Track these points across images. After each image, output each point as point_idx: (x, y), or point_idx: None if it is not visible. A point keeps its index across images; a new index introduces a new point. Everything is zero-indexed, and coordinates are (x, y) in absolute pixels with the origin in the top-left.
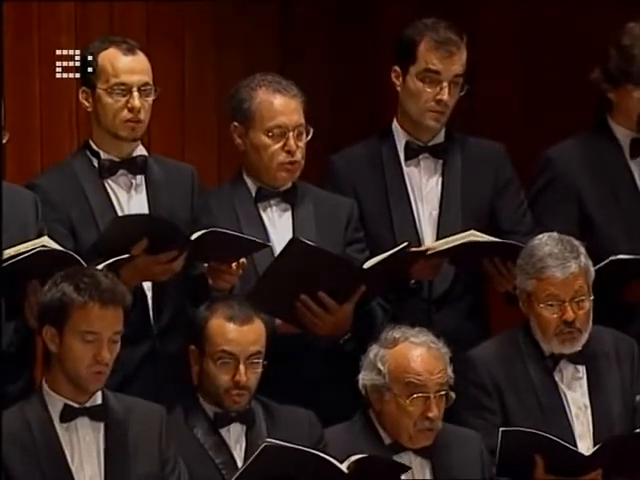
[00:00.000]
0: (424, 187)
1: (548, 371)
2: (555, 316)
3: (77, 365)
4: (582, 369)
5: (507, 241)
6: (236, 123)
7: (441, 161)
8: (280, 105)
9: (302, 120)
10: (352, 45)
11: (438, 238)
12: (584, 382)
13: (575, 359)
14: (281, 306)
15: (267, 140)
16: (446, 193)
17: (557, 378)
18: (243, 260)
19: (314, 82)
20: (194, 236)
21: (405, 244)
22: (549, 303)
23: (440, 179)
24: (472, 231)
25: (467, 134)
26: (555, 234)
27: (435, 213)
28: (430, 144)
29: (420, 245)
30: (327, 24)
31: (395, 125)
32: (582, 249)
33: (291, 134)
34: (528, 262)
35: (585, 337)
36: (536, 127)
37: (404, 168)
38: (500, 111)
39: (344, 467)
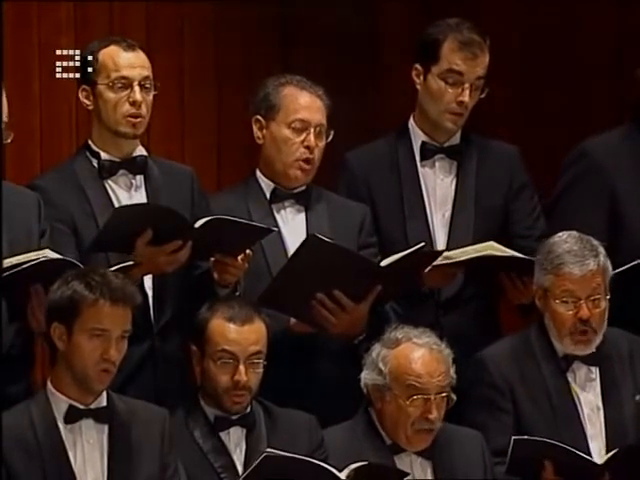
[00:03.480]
0: (438, 188)
1: (561, 372)
2: (570, 313)
3: (85, 363)
4: (595, 370)
5: (527, 257)
6: (258, 116)
7: (456, 162)
8: (305, 101)
9: (324, 121)
10: (353, 44)
11: (450, 239)
12: (597, 384)
13: (589, 360)
14: (297, 304)
15: (288, 133)
16: (460, 195)
17: (570, 379)
18: (249, 252)
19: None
20: (198, 223)
21: (422, 244)
22: (564, 299)
23: (454, 180)
24: (491, 243)
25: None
26: (575, 233)
27: (448, 214)
28: (446, 145)
29: (432, 245)
30: (327, 23)
31: (411, 124)
32: (601, 249)
33: (312, 130)
34: (546, 258)
35: (599, 338)
36: (534, 129)
37: (419, 168)
38: (499, 113)
39: (344, 475)
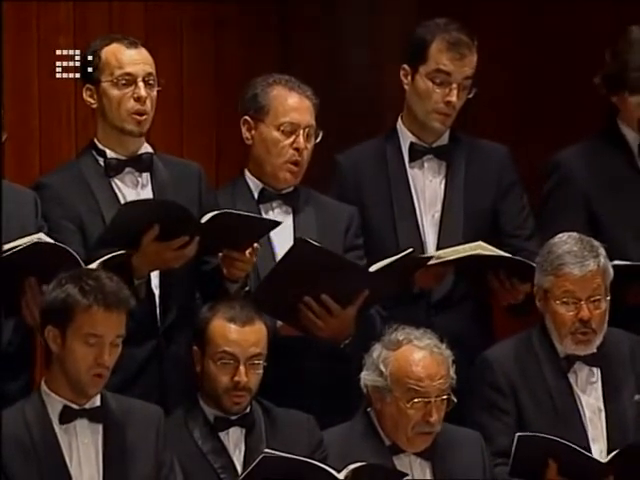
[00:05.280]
0: (427, 189)
1: (563, 373)
2: (571, 314)
3: (78, 367)
4: (597, 372)
5: (515, 257)
6: (247, 117)
7: (445, 163)
8: (294, 102)
9: (313, 122)
10: (354, 43)
11: (440, 240)
12: (599, 385)
13: (590, 361)
14: (284, 308)
15: (277, 135)
16: (449, 195)
17: (572, 380)
18: (257, 246)
19: (314, 81)
20: (205, 219)
21: (411, 249)
22: (564, 300)
23: (443, 181)
24: (480, 243)
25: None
26: (575, 234)
27: (437, 215)
28: (434, 145)
29: (422, 245)
30: (327, 22)
31: (400, 125)
32: (602, 250)
33: (301, 132)
34: (547, 259)
35: (600, 338)
36: (532, 129)
37: (408, 169)
38: (496, 113)
39: (342, 476)
